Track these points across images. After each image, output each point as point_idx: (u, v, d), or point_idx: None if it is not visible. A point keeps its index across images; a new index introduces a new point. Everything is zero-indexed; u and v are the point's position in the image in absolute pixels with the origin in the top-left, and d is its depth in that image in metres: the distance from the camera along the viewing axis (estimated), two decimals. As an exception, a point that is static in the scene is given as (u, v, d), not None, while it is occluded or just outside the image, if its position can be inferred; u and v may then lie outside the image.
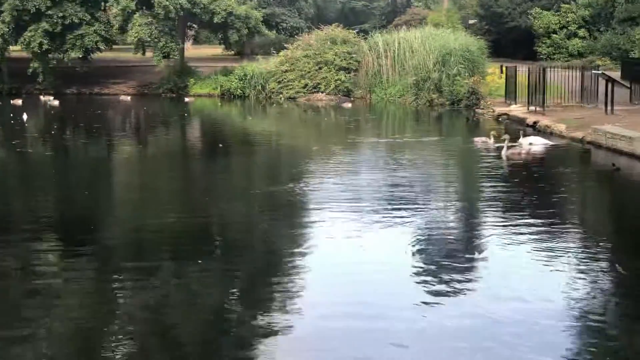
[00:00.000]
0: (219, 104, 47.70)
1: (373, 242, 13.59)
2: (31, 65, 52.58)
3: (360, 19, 75.58)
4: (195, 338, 9.48)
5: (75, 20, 51.92)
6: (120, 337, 9.45)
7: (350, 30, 51.75)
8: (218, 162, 24.75)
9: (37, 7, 51.19)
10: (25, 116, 35.14)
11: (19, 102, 45.50)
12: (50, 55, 53.25)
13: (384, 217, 15.39)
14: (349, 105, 44.27)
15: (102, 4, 55.04)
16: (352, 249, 13.11)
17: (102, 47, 54.59)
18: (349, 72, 47.75)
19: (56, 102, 46.25)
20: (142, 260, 12.74)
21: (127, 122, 40.75)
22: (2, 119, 37.65)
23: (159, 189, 19.84)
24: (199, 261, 12.37)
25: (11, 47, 54.85)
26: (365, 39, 49.93)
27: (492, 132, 26.10)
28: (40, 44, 51.43)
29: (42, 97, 48.60)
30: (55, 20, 51.57)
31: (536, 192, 18.65)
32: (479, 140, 26.39)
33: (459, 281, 11.20)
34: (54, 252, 13.49)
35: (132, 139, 33.13)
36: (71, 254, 13.24)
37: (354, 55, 48.00)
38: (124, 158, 26.95)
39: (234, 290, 11.39)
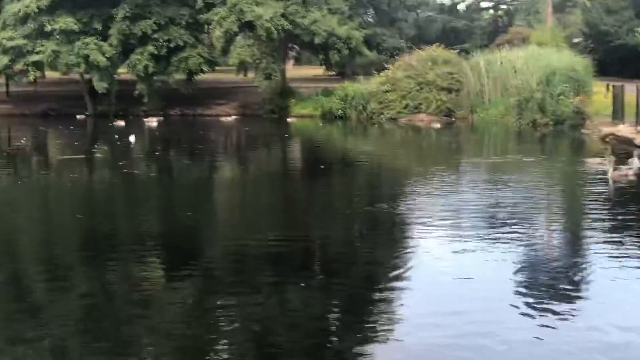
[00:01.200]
0: (320, 124, 47.93)
1: (474, 263, 13.37)
2: (137, 87, 53.95)
3: (461, 39, 74.94)
4: (300, 353, 9.48)
5: (180, 43, 53.13)
6: (225, 354, 9.52)
7: (452, 50, 51.40)
8: (319, 182, 24.79)
9: (143, 31, 52.62)
10: (132, 138, 35.97)
11: (121, 123, 46.77)
12: (155, 78, 54.54)
13: (485, 238, 15.12)
14: (438, 125, 43.99)
15: (206, 27, 56.13)
16: (453, 269, 12.90)
17: (205, 69, 55.64)
18: (450, 93, 47.39)
19: (154, 124, 47.30)
20: (244, 278, 12.80)
21: (229, 143, 41.32)
22: (109, 141, 38.64)
23: (260, 209, 19.95)
24: (301, 279, 12.39)
25: (118, 70, 56.43)
26: (467, 58, 49.55)
27: (606, 153, 25.25)
28: (146, 67, 52.75)
29: (145, 119, 49.81)
30: (160, 44, 52.87)
31: (646, 215, 18.04)
32: (593, 162, 25.69)
33: (566, 307, 10.89)
34: (158, 270, 13.70)
35: (234, 159, 33.54)
36: (175, 272, 13.41)
37: (455, 75, 47.61)
38: (226, 178, 27.29)
39: (336, 307, 11.36)
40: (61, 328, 10.46)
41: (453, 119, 46.18)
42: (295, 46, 63.84)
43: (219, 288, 12.37)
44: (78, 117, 54.14)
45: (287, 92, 54.07)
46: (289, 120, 48.93)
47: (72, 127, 45.87)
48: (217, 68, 60.60)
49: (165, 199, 22.24)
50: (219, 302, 11.59)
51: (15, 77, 57.19)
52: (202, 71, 55.86)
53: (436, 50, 50.14)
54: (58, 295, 12.00)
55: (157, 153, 33.94)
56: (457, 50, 53.04)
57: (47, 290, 12.42)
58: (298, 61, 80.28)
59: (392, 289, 11.98)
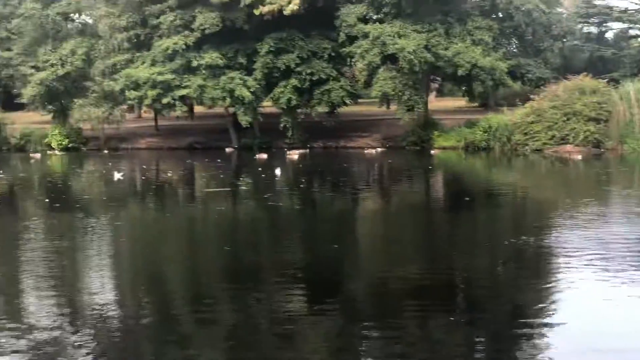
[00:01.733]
0: (463, 156, 47.36)
1: (624, 298, 12.77)
2: (281, 120, 54.92)
3: (609, 68, 72.64)
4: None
5: (323, 77, 53.84)
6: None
7: (599, 80, 49.93)
8: (463, 215, 24.36)
9: (286, 64, 53.61)
10: (278, 171, 36.52)
11: (264, 156, 47.67)
12: (298, 111, 55.38)
13: (635, 272, 14.43)
14: (585, 156, 42.65)
15: (348, 59, 56.63)
16: (603, 304, 12.38)
17: (348, 102, 56.05)
18: (598, 123, 46.02)
19: (296, 157, 47.88)
20: (387, 311, 12.62)
21: (372, 176, 41.30)
22: (253, 173, 39.33)
23: (404, 241, 19.77)
24: (445, 313, 12.13)
25: (262, 103, 57.63)
26: (616, 87, 48.03)
27: None
28: (289, 100, 53.69)
29: (287, 152, 50.53)
30: (303, 77, 53.72)
31: None
32: None
33: None
34: (302, 302, 13.69)
35: (377, 192, 33.46)
36: (319, 304, 13.36)
37: (603, 105, 46.24)
38: (369, 210, 27.19)
39: (481, 344, 11.03)
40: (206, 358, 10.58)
41: (602, 150, 44.79)
42: (438, 78, 63.54)
43: (362, 320, 12.24)
44: (227, 150, 55.51)
45: (429, 124, 53.82)
46: (432, 152, 48.59)
47: (219, 160, 47.00)
48: (359, 100, 60.98)
49: (309, 231, 22.33)
50: (362, 334, 11.47)
51: (163, 111, 59.36)
52: (345, 104, 56.31)
53: (583, 80, 48.88)
54: (204, 327, 12.17)
55: (301, 186, 34.26)
56: (606, 80, 51.48)
57: (193, 321, 12.62)
58: (440, 93, 79.80)
59: (540, 324, 11.54)
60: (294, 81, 53.94)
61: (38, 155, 56.69)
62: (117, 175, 36.42)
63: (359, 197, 30.64)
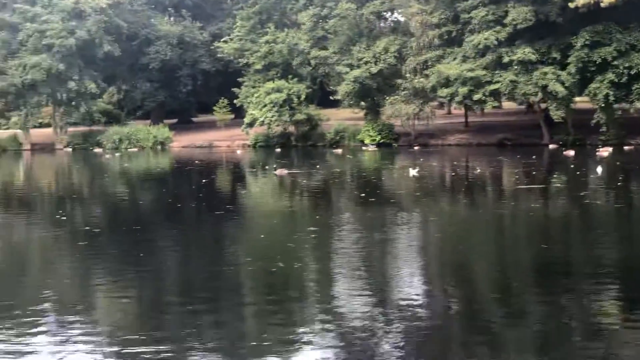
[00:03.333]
0: None
1: None
2: (595, 116, 52.69)
3: None
4: None
5: (641, 70, 50.98)
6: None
7: None
8: None
9: (603, 58, 51.26)
10: (599, 169, 35.04)
11: (570, 153, 46.04)
12: (615, 106, 52.79)
13: None
14: None
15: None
16: None
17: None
18: None
19: (605, 154, 45.56)
20: None
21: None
22: (566, 171, 38.00)
23: None
24: None
25: (575, 99, 55.64)
26: None
27: None
28: (606, 95, 51.29)
29: (598, 149, 48.34)
30: (621, 71, 51.11)
31: None
32: None
33: None
34: (616, 301, 12.93)
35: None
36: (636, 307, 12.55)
37: None
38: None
39: None
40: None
41: None
42: None
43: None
44: (551, 146, 54.25)
45: None
46: None
47: (533, 157, 46.05)
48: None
49: (626, 231, 21.11)
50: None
51: (474, 107, 59.19)
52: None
53: None
54: (513, 322, 11.95)
55: (618, 184, 32.50)
56: None
57: (501, 316, 12.41)
58: None
59: None
60: (610, 75, 51.48)
61: (340, 151, 58.99)
62: (412, 172, 36.69)
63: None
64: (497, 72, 55.41)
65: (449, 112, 76.35)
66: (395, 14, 70.88)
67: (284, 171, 40.04)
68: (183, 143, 72.01)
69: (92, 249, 19.37)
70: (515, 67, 54.52)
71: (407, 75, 61.82)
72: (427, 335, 11.53)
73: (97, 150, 69.48)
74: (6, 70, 69.99)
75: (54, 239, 21.92)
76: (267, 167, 44.17)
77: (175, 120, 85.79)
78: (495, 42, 54.83)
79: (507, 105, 72.01)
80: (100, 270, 16.84)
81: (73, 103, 72.00)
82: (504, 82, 54.68)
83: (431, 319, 12.40)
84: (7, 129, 76.53)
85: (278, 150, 62.77)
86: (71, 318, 12.59)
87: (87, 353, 10.80)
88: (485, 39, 54.98)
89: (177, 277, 16.19)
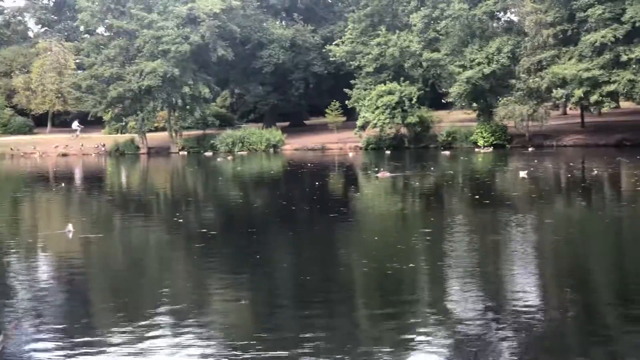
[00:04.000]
0: None
1: None
2: None
3: None
4: None
5: None
6: None
7: None
8: None
9: None
10: None
11: None
12: None
13: None
14: None
15: None
16: None
17: None
18: None
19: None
20: None
21: None
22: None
23: None
24: None
25: None
26: None
27: None
28: None
29: None
30: None
31: None
32: None
33: None
34: None
35: None
36: None
37: None
38: None
39: None
40: None
41: None
42: None
43: None
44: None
45: None
46: None
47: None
48: None
49: None
50: None
51: (591, 108, 57.69)
52: None
53: None
54: (631, 328, 11.69)
55: None
56: None
57: (619, 322, 12.15)
58: None
59: None
60: None
61: (448, 153, 58.46)
62: (522, 174, 36.00)
63: None
64: (614, 71, 53.89)
65: (565, 113, 74.64)
66: (509, 14, 69.77)
67: (386, 173, 39.91)
68: (295, 146, 72.62)
69: (208, 251, 19.68)
70: (634, 65, 52.91)
71: (521, 75, 60.73)
72: (541, 340, 11.34)
73: (207, 153, 70.70)
74: (124, 76, 71.97)
75: (170, 241, 22.39)
76: (377, 169, 44.03)
77: (287, 123, 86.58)
78: (613, 40, 53.32)
79: (626, 104, 69.82)
80: (216, 272, 17.11)
81: (187, 107, 73.44)
82: (621, 81, 53.14)
83: (546, 323, 12.18)
84: (125, 133, 78.70)
85: (388, 152, 62.59)
86: (187, 319, 12.81)
87: (201, 355, 10.94)
88: (602, 37, 53.53)
89: (292, 279, 16.30)
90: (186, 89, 71.12)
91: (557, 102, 67.88)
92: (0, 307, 13.99)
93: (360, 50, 71.66)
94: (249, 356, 10.82)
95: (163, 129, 78.42)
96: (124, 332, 12.15)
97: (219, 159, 62.35)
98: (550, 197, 30.18)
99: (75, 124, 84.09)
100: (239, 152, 70.16)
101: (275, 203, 31.69)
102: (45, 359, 10.98)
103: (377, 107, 65.36)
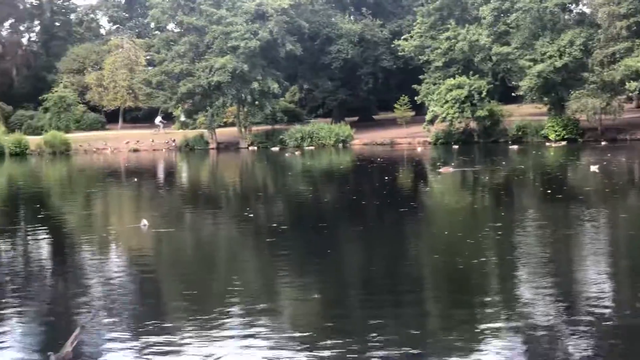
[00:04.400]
0: None
1: None
2: None
3: None
4: None
5: None
6: None
7: None
8: None
9: None
10: None
11: None
12: None
13: None
14: None
15: None
16: None
17: None
18: None
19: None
20: None
21: None
22: None
23: None
24: None
25: None
26: None
27: None
28: None
29: None
30: None
31: None
32: None
33: None
34: None
35: None
36: None
37: None
38: None
39: None
40: None
41: None
42: None
43: None
44: None
45: None
46: None
47: None
48: None
49: None
50: None
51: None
52: None
53: None
54: None
55: None
56: None
57: None
58: None
59: None
60: None
61: (516, 147, 57.99)
62: (593, 168, 35.44)
63: None
64: None
65: (638, 106, 73.09)
66: (581, 6, 68.55)
67: (449, 169, 39.58)
68: (364, 141, 72.52)
69: (278, 245, 19.79)
70: None
71: (595, 68, 59.66)
72: (614, 337, 11.09)
73: (274, 148, 71.03)
74: (193, 72, 72.70)
75: (241, 235, 22.56)
76: (442, 164, 43.61)
77: (356, 118, 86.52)
78: None
79: None
80: (286, 266, 17.18)
81: (256, 103, 73.88)
82: None
83: (620, 320, 11.91)
84: (194, 128, 79.50)
85: (456, 147, 62.08)
86: (257, 314, 12.87)
87: (271, 348, 11.00)
88: None
89: (362, 274, 16.29)
90: (255, 85, 71.54)
91: (630, 94, 66.48)
92: (77, 300, 14.28)
93: (429, 45, 71.20)
94: (320, 350, 10.84)
95: (232, 124, 79.04)
96: (194, 326, 12.26)
97: (287, 154, 62.63)
98: (625, 192, 29.60)
99: (158, 119, 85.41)
100: (307, 147, 70.35)
101: (345, 198, 31.72)
102: (118, 352, 11.15)
103: (446, 101, 64.92)
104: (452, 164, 42.69)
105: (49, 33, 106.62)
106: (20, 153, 74.46)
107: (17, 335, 12.23)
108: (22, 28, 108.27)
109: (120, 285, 15.69)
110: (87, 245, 21.38)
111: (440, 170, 39.76)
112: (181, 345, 11.34)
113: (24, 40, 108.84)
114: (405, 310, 12.99)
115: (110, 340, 11.68)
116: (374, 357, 10.46)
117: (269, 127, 77.73)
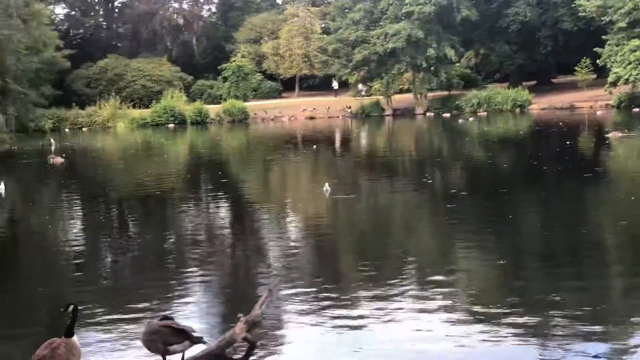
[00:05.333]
0: None
1: None
2: None
3: None
4: None
5: None
6: None
7: None
8: None
9: None
10: None
11: None
12: None
13: None
14: None
15: None
16: None
17: None
18: None
19: None
20: None
21: None
22: None
23: None
24: None
25: None
26: None
27: None
28: None
29: None
30: None
31: None
32: None
33: None
34: None
35: None
36: None
37: None
38: None
39: None
40: None
41: None
42: None
43: None
44: None
45: None
46: None
47: None
48: None
49: None
50: None
51: None
52: None
53: None
54: None
55: None
56: None
57: None
58: None
59: None
60: None
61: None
62: None
63: None
64: None
65: None
66: None
67: (617, 134, 37.69)
68: (542, 105, 70.57)
69: (458, 211, 19.64)
70: None
71: None
72: None
73: (445, 115, 70.25)
74: (368, 39, 72.86)
75: (421, 201, 22.53)
76: (619, 129, 41.65)
77: (534, 82, 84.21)
78: None
79: None
80: (467, 232, 17.01)
81: (432, 69, 73.28)
82: None
83: None
84: (370, 95, 79.73)
85: (636, 110, 59.23)
86: (433, 280, 12.79)
87: (445, 320, 10.82)
88: None
89: (543, 240, 15.93)
90: (431, 51, 70.93)
91: None
92: (260, 267, 14.72)
93: (612, 5, 68.05)
94: (500, 317, 10.68)
95: (408, 91, 78.80)
96: (370, 294, 12.27)
97: (459, 120, 61.86)
98: None
99: (335, 84, 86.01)
100: (483, 112, 69.24)
101: (525, 163, 31.06)
102: (301, 316, 11.35)
103: (630, 62, 62.02)
104: (607, 129, 40.86)
105: (227, 4, 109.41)
106: (201, 121, 77.27)
107: (204, 301, 12.68)
108: (202, 0, 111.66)
109: (302, 252, 16.03)
110: (268, 211, 21.98)
111: (608, 135, 38.15)
112: (353, 310, 11.45)
113: (204, 12, 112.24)
114: (588, 277, 12.58)
115: (292, 304, 11.93)
116: (556, 335, 10.09)
117: (445, 92, 76.99)
